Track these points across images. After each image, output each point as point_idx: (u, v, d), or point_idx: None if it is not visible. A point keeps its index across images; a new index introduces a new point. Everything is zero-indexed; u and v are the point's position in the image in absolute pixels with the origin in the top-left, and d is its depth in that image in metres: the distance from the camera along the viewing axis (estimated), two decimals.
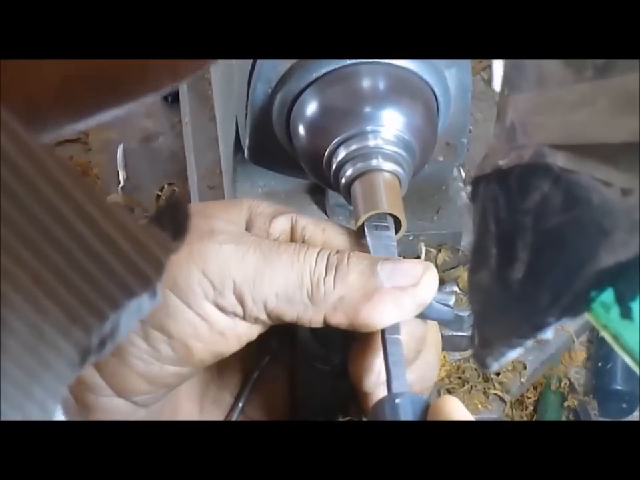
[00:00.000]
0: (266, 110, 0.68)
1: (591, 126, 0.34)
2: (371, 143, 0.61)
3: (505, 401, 0.86)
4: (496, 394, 0.86)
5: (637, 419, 0.93)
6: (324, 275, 0.50)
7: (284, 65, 0.66)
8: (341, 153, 0.61)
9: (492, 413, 0.86)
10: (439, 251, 0.83)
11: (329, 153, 0.62)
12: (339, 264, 0.50)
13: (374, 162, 0.60)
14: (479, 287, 0.40)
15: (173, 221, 0.32)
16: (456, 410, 0.46)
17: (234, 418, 0.55)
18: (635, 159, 0.33)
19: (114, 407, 0.51)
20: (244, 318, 0.49)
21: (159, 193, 0.99)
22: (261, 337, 0.51)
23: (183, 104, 0.98)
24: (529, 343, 0.37)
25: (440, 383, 0.85)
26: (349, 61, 0.64)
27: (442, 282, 0.81)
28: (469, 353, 0.85)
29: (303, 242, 0.53)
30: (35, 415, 0.28)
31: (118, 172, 1.01)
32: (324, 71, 0.64)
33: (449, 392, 0.85)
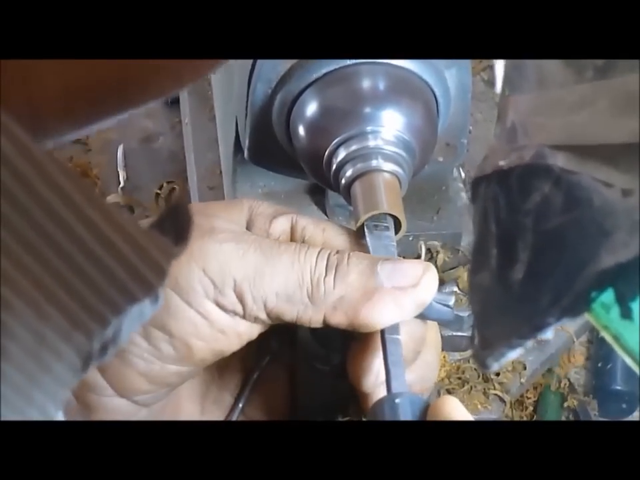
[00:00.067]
0: (266, 110, 0.68)
1: (592, 127, 0.34)
2: (371, 143, 0.61)
3: (504, 402, 0.86)
4: (496, 394, 0.86)
5: (637, 419, 0.93)
6: (324, 274, 0.50)
7: (284, 65, 0.66)
8: (341, 154, 0.61)
9: (492, 413, 0.86)
10: (439, 251, 0.83)
11: (328, 154, 0.62)
12: (339, 264, 0.50)
13: (374, 162, 0.60)
14: (479, 287, 0.40)
15: (175, 225, 0.32)
16: (455, 410, 0.46)
17: (234, 418, 0.55)
18: (636, 159, 0.33)
19: (115, 407, 0.51)
20: (244, 317, 0.50)
21: (158, 192, 0.99)
22: (260, 337, 0.52)
23: (183, 104, 0.98)
24: (529, 343, 0.37)
25: (440, 384, 0.85)
26: (348, 62, 0.64)
27: (442, 282, 0.82)
28: (468, 353, 0.85)
29: (303, 242, 0.53)
30: (36, 419, 0.28)
31: (118, 172, 1.01)
32: (324, 71, 0.64)
33: (449, 392, 0.85)
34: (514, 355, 0.37)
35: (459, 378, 0.86)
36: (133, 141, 1.03)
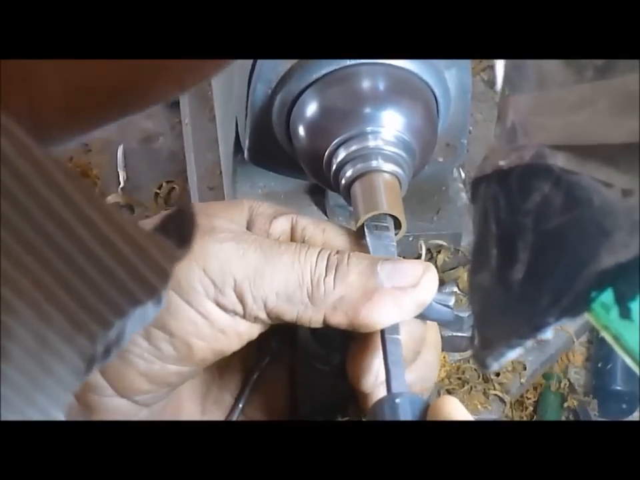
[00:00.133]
0: (266, 111, 0.68)
1: (592, 127, 0.34)
2: (371, 143, 0.61)
3: (504, 402, 0.86)
4: (496, 394, 0.86)
5: (637, 419, 0.93)
6: (324, 274, 0.50)
7: (284, 65, 0.66)
8: (341, 154, 0.61)
9: (492, 413, 0.86)
10: (439, 251, 0.83)
11: (328, 154, 0.62)
12: (339, 264, 0.50)
13: (374, 163, 0.60)
14: (479, 287, 0.40)
15: (179, 228, 0.32)
16: (455, 410, 0.46)
17: (234, 418, 0.55)
18: (636, 159, 0.33)
19: (116, 407, 0.51)
20: (244, 317, 0.50)
21: (157, 191, 0.99)
22: (261, 337, 0.52)
23: (183, 105, 0.98)
24: (529, 343, 0.37)
25: (440, 384, 0.85)
26: (349, 62, 0.64)
27: (442, 282, 0.82)
28: (468, 353, 0.85)
29: (303, 242, 0.53)
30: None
31: (118, 173, 1.01)
32: (324, 71, 0.64)
33: (449, 392, 0.85)
34: (514, 355, 0.37)
35: (459, 378, 0.86)
36: (133, 141, 1.03)
